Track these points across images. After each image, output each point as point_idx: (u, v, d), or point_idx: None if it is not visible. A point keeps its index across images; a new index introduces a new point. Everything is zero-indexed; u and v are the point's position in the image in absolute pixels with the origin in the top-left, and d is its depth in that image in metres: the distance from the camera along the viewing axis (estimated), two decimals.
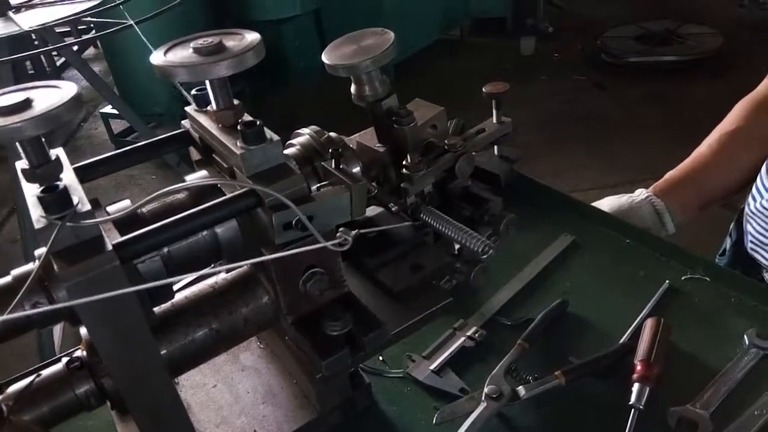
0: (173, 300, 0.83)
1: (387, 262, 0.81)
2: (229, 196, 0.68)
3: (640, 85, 4.65)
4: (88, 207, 0.62)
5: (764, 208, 1.17)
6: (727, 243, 1.40)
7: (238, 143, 0.70)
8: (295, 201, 0.68)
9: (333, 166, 0.74)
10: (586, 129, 4.23)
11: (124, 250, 0.62)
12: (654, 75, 4.73)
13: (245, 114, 0.76)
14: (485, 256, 0.74)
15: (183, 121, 0.85)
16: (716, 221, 1.57)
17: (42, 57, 5.20)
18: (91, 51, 6.56)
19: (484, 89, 0.91)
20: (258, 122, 0.70)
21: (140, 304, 0.71)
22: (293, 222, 0.67)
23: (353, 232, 0.63)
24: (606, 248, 1.15)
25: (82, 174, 0.81)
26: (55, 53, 5.22)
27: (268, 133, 0.71)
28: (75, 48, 4.43)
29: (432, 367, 0.94)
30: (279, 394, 0.92)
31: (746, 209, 1.25)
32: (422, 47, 5.12)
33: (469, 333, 0.99)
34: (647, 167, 3.63)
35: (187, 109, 0.82)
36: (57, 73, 5.46)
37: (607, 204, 1.22)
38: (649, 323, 0.93)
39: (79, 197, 0.63)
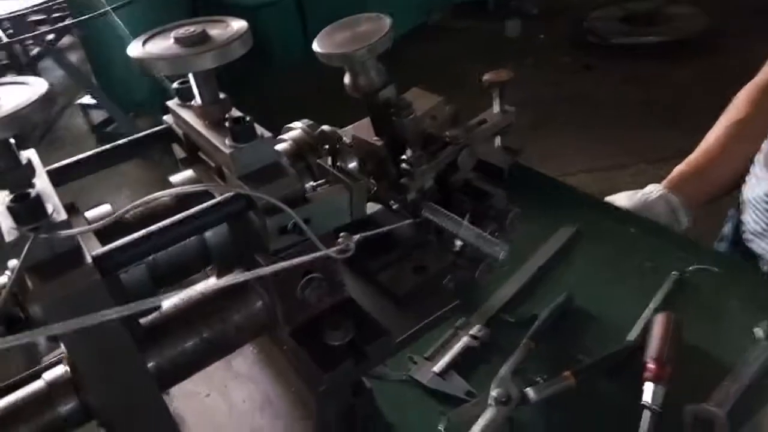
0: (161, 309, 0.78)
1: (388, 263, 0.76)
2: (218, 199, 0.63)
3: (626, 65, 4.62)
4: (63, 216, 0.56)
5: (760, 198, 1.14)
6: (726, 230, 1.37)
7: (227, 141, 0.64)
8: (289, 203, 0.63)
9: (330, 163, 0.68)
10: (573, 111, 4.19)
11: (106, 262, 0.56)
12: (640, 56, 4.69)
13: (233, 109, 0.70)
14: (500, 258, 0.70)
15: (165, 117, 0.79)
16: (712, 206, 1.54)
17: (16, 47, 5.05)
18: (67, 39, 6.39)
19: (484, 78, 0.86)
20: (247, 118, 0.64)
21: (124, 318, 0.66)
22: (288, 226, 0.62)
23: (355, 237, 0.58)
24: (610, 239, 1.11)
25: (58, 177, 0.74)
26: (29, 42, 5.07)
27: (259, 129, 0.65)
28: (50, 37, 4.30)
29: (435, 369, 0.90)
30: (276, 402, 0.87)
31: (741, 197, 1.22)
32: (403, 33, 5.03)
33: (472, 332, 0.95)
34: (636, 149, 3.61)
35: (169, 103, 0.76)
36: (32, 64, 5.30)
37: (621, 201, 1.18)
38: (660, 319, 0.89)
39: (54, 205, 0.58)
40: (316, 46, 0.76)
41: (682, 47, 4.67)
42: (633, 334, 0.91)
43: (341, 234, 0.59)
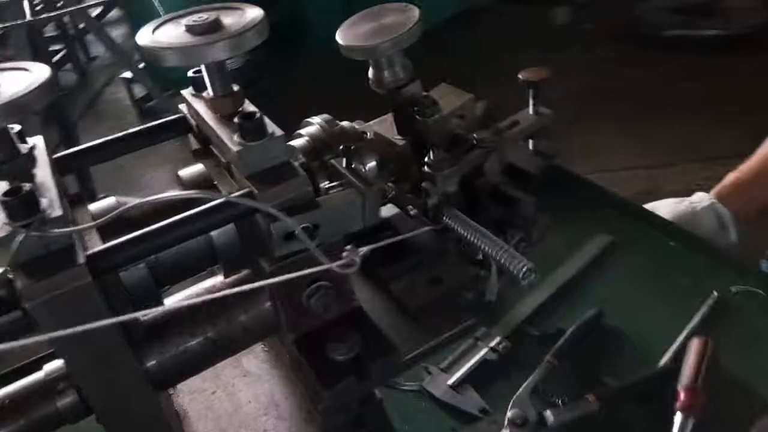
0: (167, 303, 0.75)
1: (402, 272, 0.71)
2: (224, 199, 0.59)
3: (679, 60, 4.41)
4: (58, 212, 0.54)
5: None
6: None
7: (235, 137, 0.61)
8: (298, 207, 0.59)
9: (344, 164, 0.64)
10: (619, 105, 4.04)
11: (100, 262, 0.53)
12: (694, 50, 4.48)
13: (245, 102, 0.66)
14: (525, 282, 0.64)
15: (180, 105, 0.76)
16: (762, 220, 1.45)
17: (65, 18, 5.12)
18: (115, 13, 6.47)
19: (520, 75, 0.80)
20: (258, 114, 0.60)
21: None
22: (295, 232, 0.58)
23: (362, 250, 0.53)
24: (648, 251, 1.04)
25: (67, 164, 0.72)
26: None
27: (270, 126, 0.61)
28: (96, 12, 4.35)
29: (450, 381, 0.86)
30: (282, 404, 0.84)
31: None
32: (446, 18, 4.92)
33: (492, 344, 0.90)
34: (684, 148, 3.45)
35: (184, 92, 0.72)
36: (80, 37, 5.39)
37: (665, 209, 1.10)
38: (695, 344, 0.83)
39: (50, 199, 0.55)
40: (338, 38, 0.71)
41: (740, 42, 4.45)
42: (666, 359, 0.85)
43: (347, 247, 0.55)
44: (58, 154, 0.71)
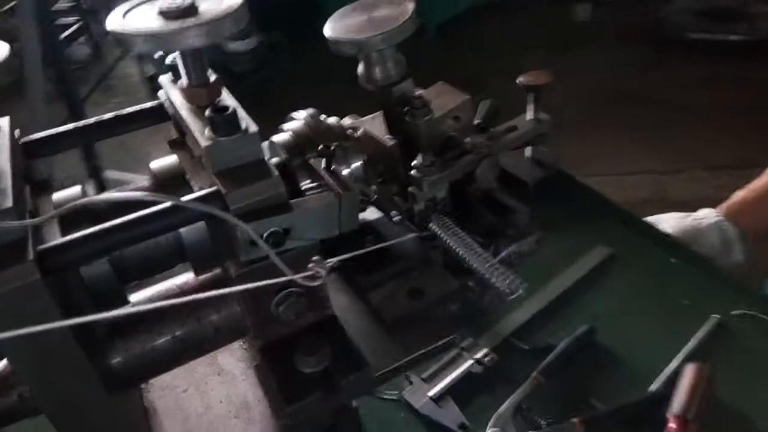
0: (134, 299, 0.72)
1: (382, 281, 0.68)
2: (193, 196, 0.55)
3: (700, 64, 4.32)
4: (8, 204, 0.50)
5: None
6: None
7: (206, 132, 0.57)
8: (268, 210, 0.56)
9: (323, 165, 0.60)
10: (633, 108, 3.95)
11: (51, 259, 0.50)
12: (716, 54, 4.37)
13: (223, 92, 0.62)
14: (512, 297, 0.61)
15: (160, 92, 0.72)
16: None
17: None
18: None
19: (519, 79, 0.75)
20: (231, 107, 0.56)
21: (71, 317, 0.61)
22: (263, 235, 0.54)
23: (330, 262, 0.50)
24: (647, 267, 1.00)
25: (36, 150, 0.69)
26: None
27: (244, 121, 0.58)
28: None
29: (431, 393, 0.82)
30: (254, 407, 0.81)
31: None
32: (463, 10, 4.84)
33: (478, 355, 0.86)
34: (696, 155, 3.37)
35: (162, 78, 0.69)
36: (94, 10, 5.35)
37: (668, 223, 1.05)
38: (690, 370, 0.79)
39: (1, 189, 0.52)
40: (326, 30, 0.67)
41: (764, 49, 4.34)
42: (658, 383, 0.81)
43: (313, 258, 0.51)
44: (27, 138, 0.67)
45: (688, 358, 0.83)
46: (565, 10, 5.06)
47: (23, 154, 0.67)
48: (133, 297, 0.71)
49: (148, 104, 0.73)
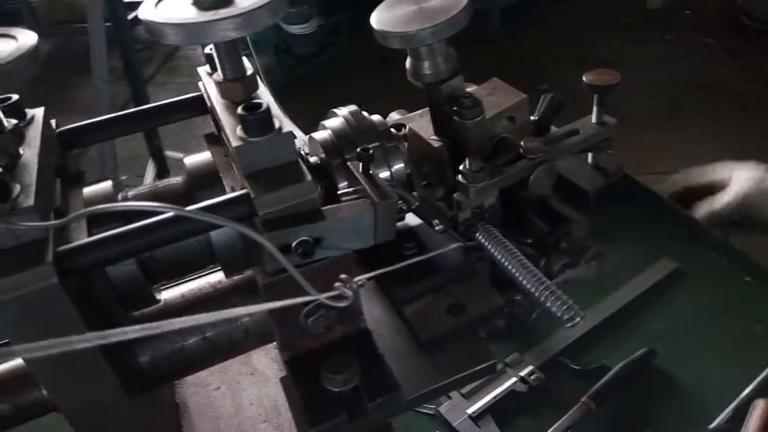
0: (166, 296, 0.70)
1: (420, 293, 0.63)
2: (217, 200, 0.52)
3: None
4: (29, 202, 0.48)
5: None
6: None
7: (238, 131, 0.53)
8: (300, 216, 0.52)
9: (360, 169, 0.56)
10: (709, 100, 3.73)
11: (70, 261, 0.48)
12: None
13: (260, 88, 0.59)
14: (570, 325, 0.55)
15: (199, 83, 0.69)
16: None
17: None
18: None
19: (585, 78, 0.68)
20: (264, 105, 0.53)
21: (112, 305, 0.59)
22: (293, 245, 0.51)
23: (360, 279, 0.45)
24: (718, 285, 0.91)
25: (73, 140, 0.67)
26: None
27: (278, 120, 0.54)
28: None
29: (470, 410, 0.77)
30: (284, 413, 0.79)
31: None
32: None
33: (523, 373, 0.81)
34: None
35: (200, 70, 0.66)
36: None
37: (740, 175, 0.92)
38: (760, 407, 0.71)
39: (25, 185, 0.50)
40: (373, 21, 0.63)
41: None
42: (721, 418, 0.73)
43: (341, 276, 0.47)
44: (62, 128, 0.66)
45: (757, 393, 0.75)
46: None
47: (60, 144, 0.66)
48: (165, 294, 0.70)
49: (188, 96, 0.70)
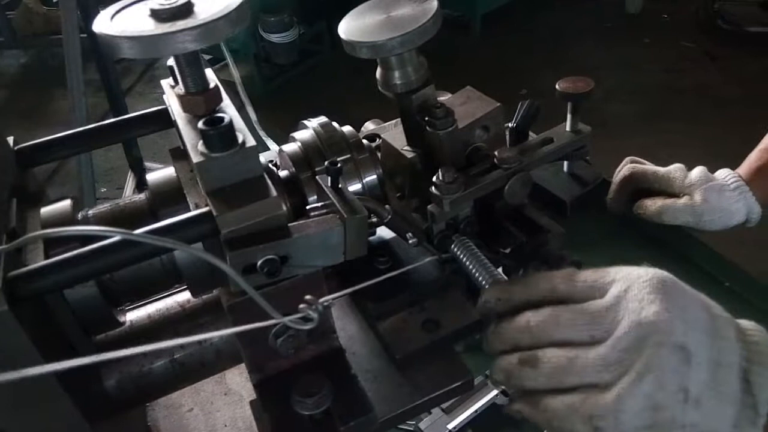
0: (132, 318, 0.68)
1: (394, 309, 0.61)
2: (178, 219, 0.50)
3: (760, 59, 4.08)
4: None
5: None
6: None
7: (199, 146, 0.51)
8: (265, 234, 0.50)
9: (329, 183, 0.54)
10: (689, 104, 3.76)
11: (21, 287, 0.45)
12: None
13: (223, 101, 0.57)
14: None
15: (164, 96, 0.67)
16: None
17: None
18: None
19: (558, 86, 0.67)
20: (226, 119, 0.51)
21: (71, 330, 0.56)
22: (258, 264, 0.49)
23: (326, 300, 0.44)
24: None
25: (32, 158, 0.65)
26: None
27: (242, 134, 0.52)
28: None
29: (451, 426, 0.75)
30: None
31: None
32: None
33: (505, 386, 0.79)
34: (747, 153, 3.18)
35: (163, 83, 0.63)
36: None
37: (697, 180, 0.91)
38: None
39: None
40: (341, 31, 0.61)
41: None
42: None
43: (307, 297, 0.45)
44: (21, 146, 0.63)
45: None
46: (617, 1, 4.85)
47: (18, 163, 0.63)
48: (130, 315, 0.67)
49: (154, 109, 0.68)
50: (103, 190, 3.44)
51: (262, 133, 3.58)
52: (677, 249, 0.97)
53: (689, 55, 4.27)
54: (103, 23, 0.51)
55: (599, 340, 0.47)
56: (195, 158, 0.50)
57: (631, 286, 0.48)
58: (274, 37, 3.96)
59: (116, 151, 3.27)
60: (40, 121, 3.83)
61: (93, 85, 3.43)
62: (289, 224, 0.51)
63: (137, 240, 0.41)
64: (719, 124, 3.51)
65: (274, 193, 0.51)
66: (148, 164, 3.18)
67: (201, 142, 0.51)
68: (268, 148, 1.06)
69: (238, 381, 0.83)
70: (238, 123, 0.53)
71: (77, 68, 2.43)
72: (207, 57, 3.71)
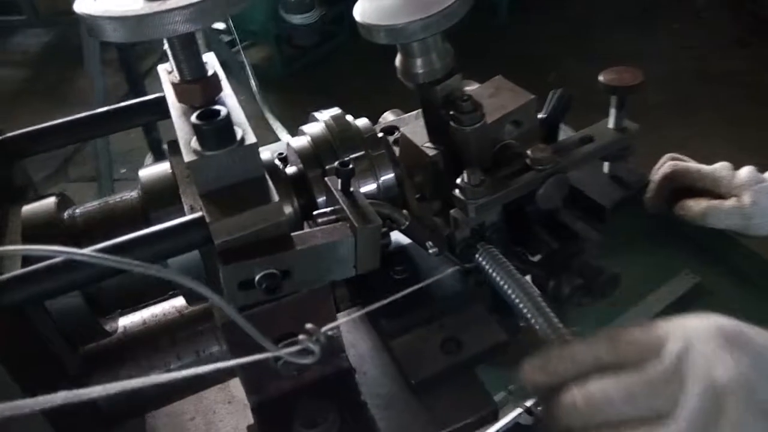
0: (126, 323, 0.62)
1: (411, 326, 0.55)
2: (167, 225, 0.44)
3: None
4: None
5: None
6: None
7: (192, 143, 0.45)
8: (264, 245, 0.44)
9: (339, 186, 0.48)
10: (720, 92, 3.61)
11: None
12: None
13: (223, 91, 0.51)
14: None
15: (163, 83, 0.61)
16: None
17: None
18: None
19: (601, 77, 0.60)
20: (223, 113, 0.44)
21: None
22: (255, 279, 0.43)
23: (329, 329, 0.37)
24: (742, 303, 0.83)
25: (19, 148, 0.60)
26: None
27: (241, 129, 0.46)
28: None
29: None
30: None
31: None
32: None
33: (528, 403, 0.72)
34: None
35: (159, 68, 0.57)
36: None
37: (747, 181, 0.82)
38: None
39: None
40: (356, 14, 0.54)
41: None
42: None
43: (307, 325, 0.39)
44: (7, 136, 0.58)
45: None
46: None
47: (2, 154, 0.58)
48: (124, 320, 0.62)
49: (151, 97, 0.62)
50: (123, 171, 3.41)
51: (274, 124, 3.49)
52: (721, 256, 0.89)
53: (720, 41, 4.11)
54: (86, 2, 0.45)
55: (664, 414, 0.39)
56: (187, 157, 0.44)
57: (692, 342, 0.40)
58: (296, 18, 3.88)
59: (137, 132, 3.24)
60: (61, 100, 3.82)
61: (113, 66, 3.39)
62: (293, 234, 0.45)
63: (85, 261, 0.35)
64: (752, 112, 3.37)
65: (275, 197, 0.44)
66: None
67: (195, 138, 0.45)
68: (279, 139, 1.00)
69: (242, 389, 0.78)
70: (238, 116, 0.47)
71: (95, 47, 2.39)
72: (226, 39, 3.65)
